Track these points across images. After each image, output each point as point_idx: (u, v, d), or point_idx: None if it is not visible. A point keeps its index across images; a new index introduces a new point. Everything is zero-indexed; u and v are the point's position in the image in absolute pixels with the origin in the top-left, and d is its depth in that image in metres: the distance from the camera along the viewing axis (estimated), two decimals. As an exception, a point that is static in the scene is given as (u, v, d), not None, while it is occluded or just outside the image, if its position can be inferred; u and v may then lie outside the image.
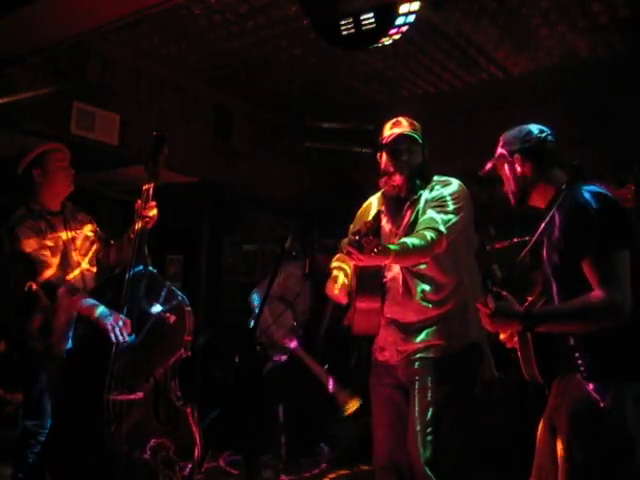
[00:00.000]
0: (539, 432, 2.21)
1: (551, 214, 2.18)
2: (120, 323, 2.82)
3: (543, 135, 2.29)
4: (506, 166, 2.29)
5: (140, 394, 2.83)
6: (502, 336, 2.27)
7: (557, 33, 3.86)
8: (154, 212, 3.03)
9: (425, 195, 2.71)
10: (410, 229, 2.67)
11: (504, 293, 2.11)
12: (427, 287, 2.65)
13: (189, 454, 2.86)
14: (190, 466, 2.85)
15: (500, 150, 2.32)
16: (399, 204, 2.77)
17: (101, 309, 2.87)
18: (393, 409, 2.70)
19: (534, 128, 2.31)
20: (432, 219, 2.58)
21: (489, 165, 2.37)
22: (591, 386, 1.99)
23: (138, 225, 2.98)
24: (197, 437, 2.90)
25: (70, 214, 3.26)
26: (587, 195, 2.08)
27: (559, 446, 2.05)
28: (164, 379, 2.91)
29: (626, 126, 4.44)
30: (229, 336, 5.00)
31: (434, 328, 2.65)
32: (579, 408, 2.01)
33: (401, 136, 2.73)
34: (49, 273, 2.99)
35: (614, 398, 1.96)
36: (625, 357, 2.01)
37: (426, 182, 2.75)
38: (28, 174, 3.14)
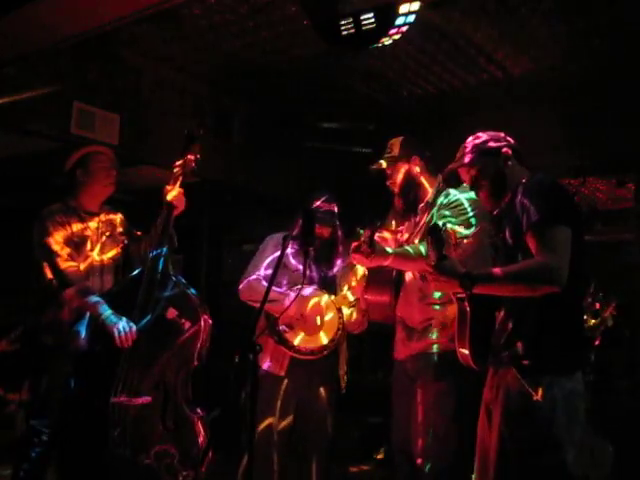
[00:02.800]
0: (479, 424, 2.29)
1: (511, 202, 2.26)
2: (126, 328, 2.81)
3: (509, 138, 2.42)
4: (491, 167, 2.34)
5: (148, 398, 2.80)
6: None
7: (557, 33, 3.86)
8: (176, 195, 3.09)
9: (440, 199, 2.81)
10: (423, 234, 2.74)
11: (448, 254, 2.20)
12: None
13: (194, 462, 2.81)
14: (192, 475, 2.81)
15: (481, 151, 2.37)
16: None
17: (108, 312, 2.88)
18: (408, 402, 2.82)
19: (498, 133, 2.44)
20: None
21: (462, 164, 2.42)
22: (525, 380, 2.07)
23: (163, 212, 3.07)
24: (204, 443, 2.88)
25: (105, 215, 3.37)
26: (539, 178, 2.24)
27: (493, 439, 2.14)
28: (174, 384, 2.88)
29: (626, 126, 4.45)
30: (229, 336, 4.99)
31: (436, 329, 2.74)
32: (513, 401, 2.10)
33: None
34: (66, 265, 3.06)
35: (545, 392, 2.04)
36: (557, 353, 2.10)
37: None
38: (72, 173, 3.29)
